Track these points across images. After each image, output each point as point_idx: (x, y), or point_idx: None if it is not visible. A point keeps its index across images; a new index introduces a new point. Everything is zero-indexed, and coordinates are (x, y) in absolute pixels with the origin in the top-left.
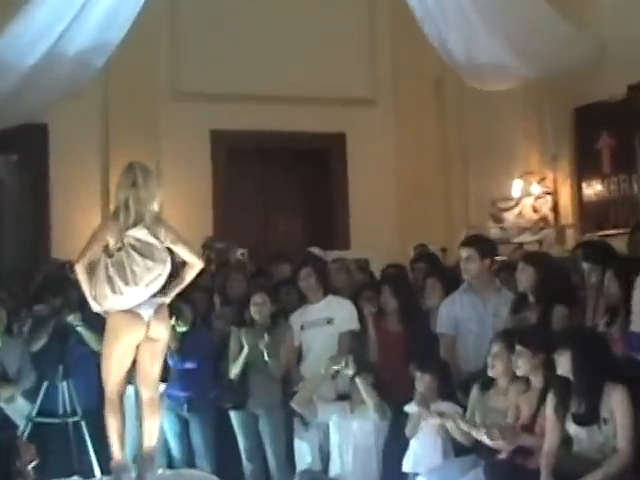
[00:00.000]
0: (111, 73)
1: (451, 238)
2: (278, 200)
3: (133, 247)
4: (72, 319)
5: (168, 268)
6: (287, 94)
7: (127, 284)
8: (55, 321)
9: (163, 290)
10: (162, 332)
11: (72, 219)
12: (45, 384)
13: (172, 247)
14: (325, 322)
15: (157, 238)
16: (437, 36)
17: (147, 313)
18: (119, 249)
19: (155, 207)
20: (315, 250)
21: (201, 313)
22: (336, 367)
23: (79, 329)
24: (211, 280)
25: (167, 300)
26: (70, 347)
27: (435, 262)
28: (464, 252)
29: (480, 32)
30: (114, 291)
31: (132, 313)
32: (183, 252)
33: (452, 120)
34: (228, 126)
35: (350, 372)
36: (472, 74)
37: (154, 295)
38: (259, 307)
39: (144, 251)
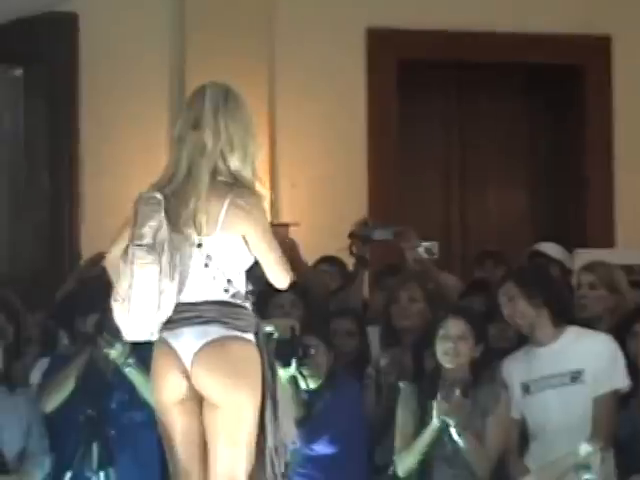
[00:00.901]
0: None
1: None
2: (486, 155)
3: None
4: (117, 354)
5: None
6: None
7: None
8: (88, 358)
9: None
10: (217, 389)
11: (120, 181)
12: (68, 476)
13: (253, 251)
14: (568, 378)
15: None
16: None
17: (186, 350)
18: None
19: (239, 165)
20: (549, 248)
21: (346, 357)
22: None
23: (128, 371)
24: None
25: (231, 332)
26: (113, 408)
27: None
28: None
29: None
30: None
31: (165, 349)
32: (266, 261)
33: None
34: (398, 22)
35: None
36: None
37: (204, 321)
38: (454, 346)
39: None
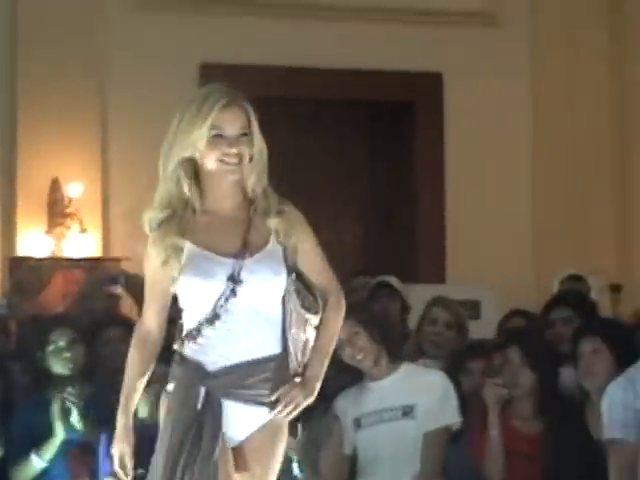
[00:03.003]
0: None
1: (628, 266)
2: (319, 189)
3: None
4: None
5: None
6: (336, 4)
7: None
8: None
9: None
10: None
11: None
12: None
13: None
14: (399, 413)
15: None
16: None
17: None
18: None
19: None
20: (392, 280)
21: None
22: None
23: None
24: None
25: None
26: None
27: (591, 310)
28: None
29: None
30: None
31: None
32: None
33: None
34: (232, 58)
35: None
36: None
37: None
38: None
39: None
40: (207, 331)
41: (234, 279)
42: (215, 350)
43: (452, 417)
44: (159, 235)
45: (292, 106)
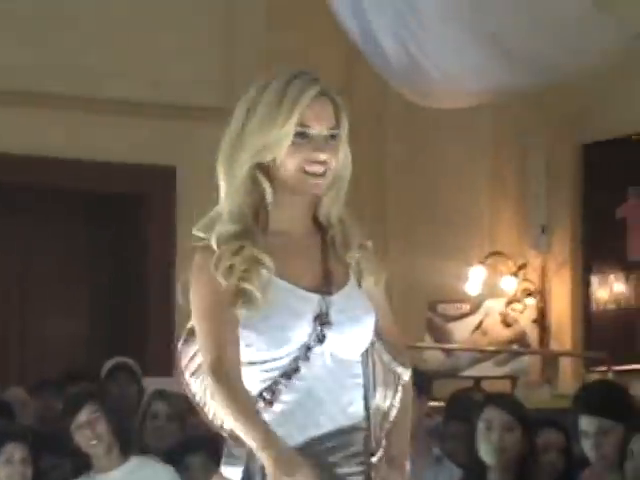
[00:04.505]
0: None
1: None
2: (48, 283)
3: None
4: None
5: None
6: (70, 93)
7: None
8: None
9: None
10: None
11: None
12: None
13: None
14: None
15: None
16: (352, 12)
17: None
18: None
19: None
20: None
21: None
22: None
23: None
24: None
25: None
26: None
27: None
28: None
29: (431, 15)
30: None
31: None
32: None
33: (366, 157)
34: None
35: None
36: (409, 81)
37: None
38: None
39: None
40: (284, 392)
41: (322, 320)
42: (290, 419)
43: None
44: (234, 248)
45: (22, 193)
